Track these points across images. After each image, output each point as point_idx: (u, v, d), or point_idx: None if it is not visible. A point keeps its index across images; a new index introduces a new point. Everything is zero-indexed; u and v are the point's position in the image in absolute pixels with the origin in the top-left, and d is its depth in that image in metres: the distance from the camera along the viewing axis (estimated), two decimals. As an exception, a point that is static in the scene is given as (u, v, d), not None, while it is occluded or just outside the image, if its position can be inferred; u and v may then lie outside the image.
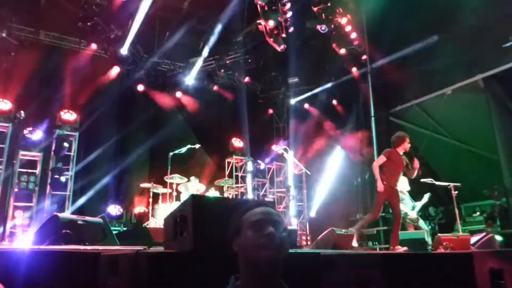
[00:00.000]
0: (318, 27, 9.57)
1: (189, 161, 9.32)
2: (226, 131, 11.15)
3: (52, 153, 8.57)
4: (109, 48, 9.64)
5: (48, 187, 8.32)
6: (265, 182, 11.39)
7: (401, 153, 5.99)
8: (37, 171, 8.28)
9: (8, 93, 8.22)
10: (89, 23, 8.98)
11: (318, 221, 10.18)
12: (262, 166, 11.23)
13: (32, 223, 7.70)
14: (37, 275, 2.62)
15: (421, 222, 7.29)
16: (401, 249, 5.50)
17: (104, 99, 9.27)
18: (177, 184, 8.53)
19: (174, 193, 8.40)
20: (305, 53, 10.74)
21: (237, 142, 10.86)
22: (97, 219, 5.10)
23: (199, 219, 2.30)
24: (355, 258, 3.11)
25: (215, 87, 11.40)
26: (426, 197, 7.54)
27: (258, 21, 8.92)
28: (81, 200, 8.65)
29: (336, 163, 11.63)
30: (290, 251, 1.69)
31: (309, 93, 12.10)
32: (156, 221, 7.84)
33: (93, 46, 9.56)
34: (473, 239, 6.14)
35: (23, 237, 7.17)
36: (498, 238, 7.01)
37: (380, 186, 5.67)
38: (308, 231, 8.90)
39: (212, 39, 10.20)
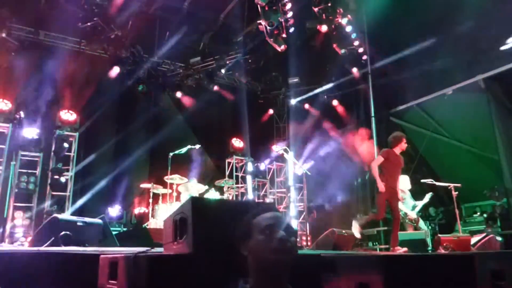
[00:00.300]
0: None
1: (189, 162, 9.32)
2: (226, 131, 11.14)
3: (52, 153, 8.57)
4: (109, 48, 9.63)
5: (48, 187, 8.31)
6: (265, 183, 11.38)
7: (399, 153, 5.98)
8: (37, 171, 8.28)
9: (8, 93, 8.21)
10: (89, 23, 8.97)
11: (318, 222, 10.17)
12: (263, 166, 11.22)
13: (31, 223, 7.71)
14: (36, 277, 2.62)
15: (421, 223, 7.26)
16: (401, 250, 5.50)
17: (104, 99, 9.25)
18: (177, 185, 8.51)
19: (174, 194, 8.38)
20: (305, 53, 10.71)
21: (237, 143, 10.85)
22: (96, 220, 5.10)
23: (198, 222, 2.28)
24: (355, 259, 3.11)
25: (215, 87, 11.37)
26: (427, 197, 7.46)
27: (258, 21, 8.90)
28: (81, 201, 8.64)
29: (336, 163, 11.60)
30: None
31: (310, 94, 12.07)
32: (156, 222, 7.82)
33: (93, 46, 9.54)
34: (474, 240, 6.15)
35: (23, 238, 7.17)
36: (499, 238, 7.01)
37: (381, 187, 5.66)
38: (308, 231, 8.89)
39: (212, 39, 10.17)
